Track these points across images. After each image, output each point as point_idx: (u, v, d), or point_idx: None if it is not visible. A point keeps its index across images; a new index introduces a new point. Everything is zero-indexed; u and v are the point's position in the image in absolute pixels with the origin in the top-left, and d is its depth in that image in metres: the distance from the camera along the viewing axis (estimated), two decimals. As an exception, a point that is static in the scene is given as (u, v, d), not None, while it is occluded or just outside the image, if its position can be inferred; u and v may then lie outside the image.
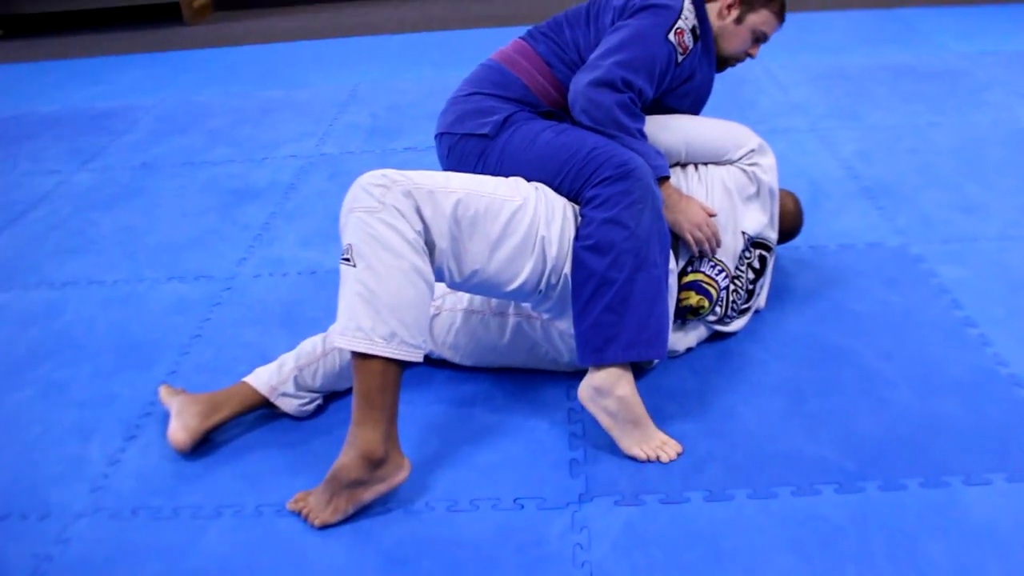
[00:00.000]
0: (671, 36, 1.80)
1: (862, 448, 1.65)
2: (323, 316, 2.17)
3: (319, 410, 1.85)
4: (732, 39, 1.93)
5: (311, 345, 1.84)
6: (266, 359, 2.00)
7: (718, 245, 1.86)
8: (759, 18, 1.91)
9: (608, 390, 1.64)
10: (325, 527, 1.56)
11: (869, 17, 4.39)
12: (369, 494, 1.55)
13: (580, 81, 1.77)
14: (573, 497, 1.59)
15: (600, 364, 1.65)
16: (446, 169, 1.90)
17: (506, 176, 1.74)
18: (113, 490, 1.68)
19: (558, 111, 1.88)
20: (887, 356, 1.89)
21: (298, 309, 2.22)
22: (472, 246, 1.59)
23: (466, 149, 1.84)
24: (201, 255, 2.52)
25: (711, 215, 1.84)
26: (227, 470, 1.71)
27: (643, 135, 1.79)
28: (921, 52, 3.76)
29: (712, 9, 1.92)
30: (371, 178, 1.56)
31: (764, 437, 1.70)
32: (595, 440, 1.71)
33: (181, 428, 1.73)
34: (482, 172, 1.79)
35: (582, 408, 1.78)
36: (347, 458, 1.53)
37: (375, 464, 1.53)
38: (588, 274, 1.64)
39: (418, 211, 1.54)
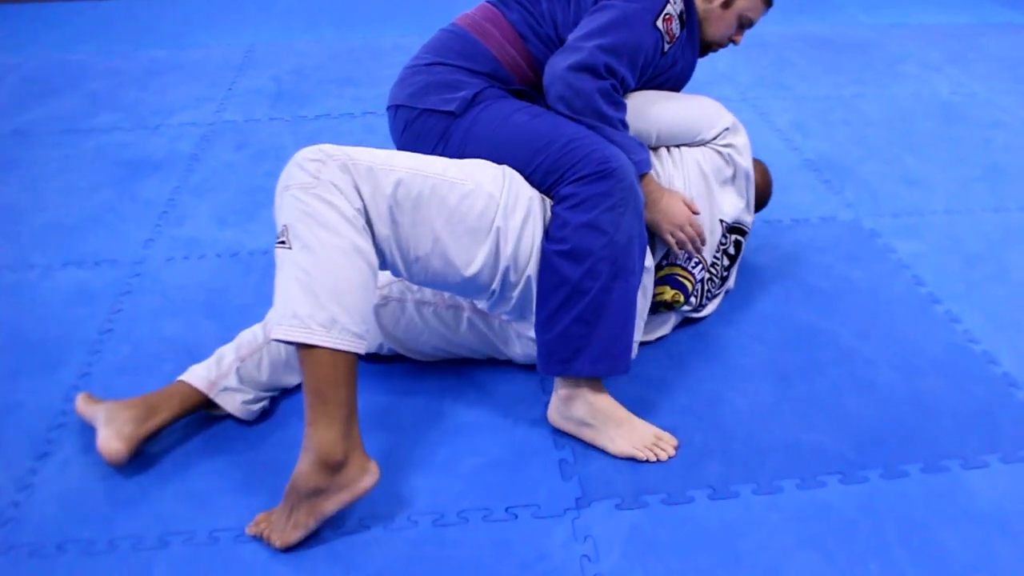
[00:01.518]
0: (659, 23, 1.65)
1: (857, 434, 1.60)
2: (253, 303, 1.95)
3: (268, 412, 1.64)
4: (717, 24, 1.79)
5: (251, 334, 1.64)
6: (194, 355, 1.77)
7: (702, 244, 1.74)
8: (747, 3, 1.77)
9: (578, 397, 1.54)
10: (288, 548, 1.36)
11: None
12: (331, 504, 1.35)
13: (558, 64, 1.59)
14: (570, 503, 1.45)
15: (564, 376, 1.53)
16: (400, 147, 1.70)
17: (467, 156, 1.57)
18: (29, 522, 1.42)
19: (530, 91, 1.71)
20: (863, 335, 1.85)
21: (223, 296, 1.97)
22: (415, 231, 1.43)
23: (426, 126, 1.64)
24: (99, 236, 2.22)
25: (694, 212, 1.72)
26: (169, 490, 1.47)
27: (625, 126, 1.64)
28: (834, 23, 3.78)
29: None
30: (306, 153, 1.41)
31: (758, 426, 1.62)
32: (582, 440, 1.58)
33: (114, 436, 1.48)
34: (443, 153, 1.61)
35: (562, 401, 1.65)
36: (303, 464, 1.34)
37: (333, 468, 1.33)
38: (559, 281, 1.49)
39: (356, 188, 1.39)
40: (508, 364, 1.75)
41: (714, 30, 1.79)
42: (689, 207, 1.72)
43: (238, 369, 1.58)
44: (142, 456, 1.53)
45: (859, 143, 2.69)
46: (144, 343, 1.83)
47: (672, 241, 1.71)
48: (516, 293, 1.52)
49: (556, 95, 1.60)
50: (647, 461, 1.53)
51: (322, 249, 1.34)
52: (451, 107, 1.61)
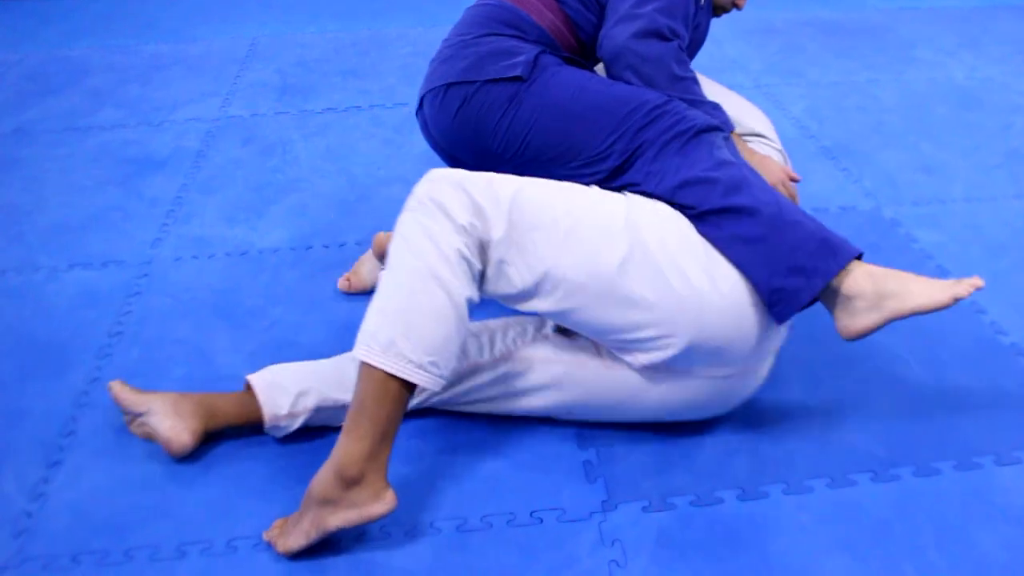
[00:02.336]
0: None
1: (887, 431, 1.56)
2: (264, 303, 1.91)
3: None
4: None
5: (341, 383, 1.52)
6: (206, 357, 1.75)
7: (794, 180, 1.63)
8: None
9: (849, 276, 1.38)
10: (288, 554, 1.32)
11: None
12: (336, 520, 1.30)
13: (619, 35, 1.55)
14: (596, 506, 1.42)
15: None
16: (453, 129, 1.64)
17: (540, 126, 1.54)
18: (42, 533, 1.38)
19: (579, 58, 1.66)
20: (889, 330, 1.75)
21: (234, 296, 1.93)
22: (537, 235, 1.35)
23: (490, 98, 1.57)
24: (105, 236, 2.17)
25: (794, 179, 1.62)
26: (186, 498, 1.44)
27: (697, 83, 1.59)
28: (844, 7, 3.72)
29: None
30: (428, 176, 1.38)
31: (786, 424, 1.58)
32: (605, 438, 1.54)
33: (184, 428, 1.46)
34: (512, 120, 1.56)
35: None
36: (323, 470, 1.31)
37: (348, 483, 1.29)
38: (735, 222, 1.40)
39: (470, 200, 1.33)
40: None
41: None
42: (786, 172, 1.62)
43: (309, 419, 1.52)
44: (158, 462, 1.50)
45: (875, 130, 2.64)
46: (154, 345, 1.79)
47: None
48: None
49: (624, 65, 1.56)
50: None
51: (401, 271, 1.31)
52: (516, 72, 1.56)
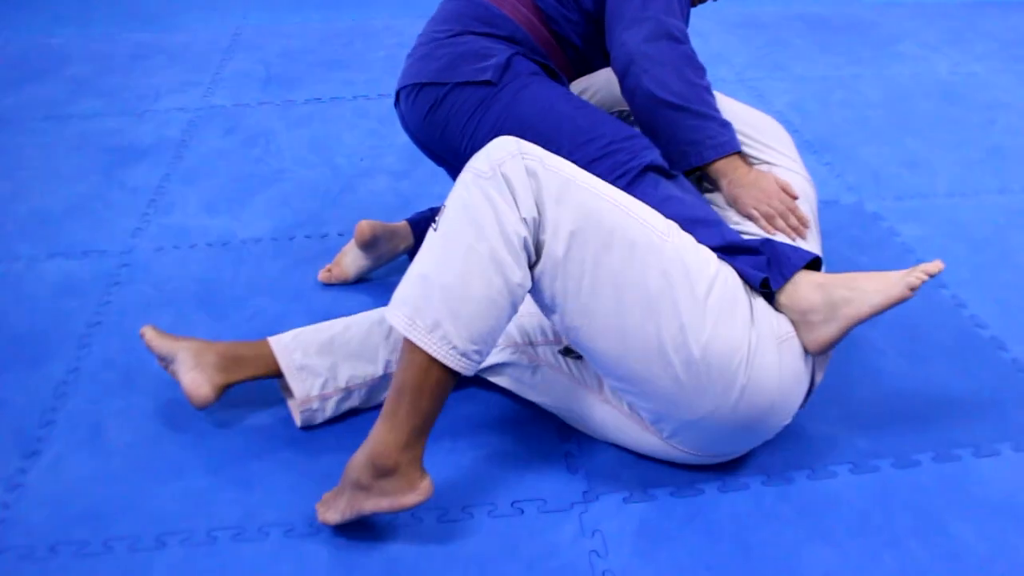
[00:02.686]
0: None
1: (867, 423, 1.57)
2: (246, 293, 1.90)
3: (272, 405, 1.59)
4: None
5: (371, 363, 1.51)
6: (187, 348, 1.72)
7: (804, 226, 1.49)
8: None
9: (799, 286, 1.36)
10: (326, 524, 1.33)
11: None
12: (369, 505, 1.29)
13: (631, 40, 1.50)
14: (577, 496, 1.42)
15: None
16: (425, 128, 1.64)
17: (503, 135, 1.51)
18: (20, 523, 1.37)
19: (548, 56, 1.66)
20: (870, 322, 1.79)
21: (216, 287, 1.92)
22: (592, 270, 1.24)
23: (459, 101, 1.57)
24: (86, 225, 2.16)
25: (792, 196, 1.52)
26: (165, 488, 1.43)
27: (710, 93, 1.55)
28: (828, 2, 3.73)
29: None
30: (502, 141, 1.26)
31: (766, 416, 1.58)
32: (587, 428, 1.55)
33: (205, 380, 1.46)
34: (478, 126, 1.56)
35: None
36: (359, 453, 1.29)
37: (381, 471, 1.26)
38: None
39: (537, 197, 1.22)
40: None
41: None
42: (784, 188, 1.53)
43: (340, 400, 1.52)
44: (136, 452, 1.49)
45: (859, 124, 2.66)
46: (134, 336, 1.76)
47: (755, 215, 1.49)
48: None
49: (640, 70, 1.50)
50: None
51: (458, 246, 1.21)
52: (486, 76, 1.55)
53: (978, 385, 1.66)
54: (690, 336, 1.26)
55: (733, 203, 1.53)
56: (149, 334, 1.54)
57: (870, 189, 2.31)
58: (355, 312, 1.59)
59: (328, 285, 1.91)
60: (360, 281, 1.92)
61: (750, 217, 1.50)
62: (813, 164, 2.42)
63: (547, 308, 1.30)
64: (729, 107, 1.68)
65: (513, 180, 1.22)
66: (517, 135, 1.50)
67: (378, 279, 1.93)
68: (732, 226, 1.49)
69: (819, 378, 1.45)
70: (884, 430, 1.55)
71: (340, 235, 2.10)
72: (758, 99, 2.80)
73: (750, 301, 1.33)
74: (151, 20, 3.58)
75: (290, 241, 2.08)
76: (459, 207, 1.23)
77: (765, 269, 1.35)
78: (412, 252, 1.93)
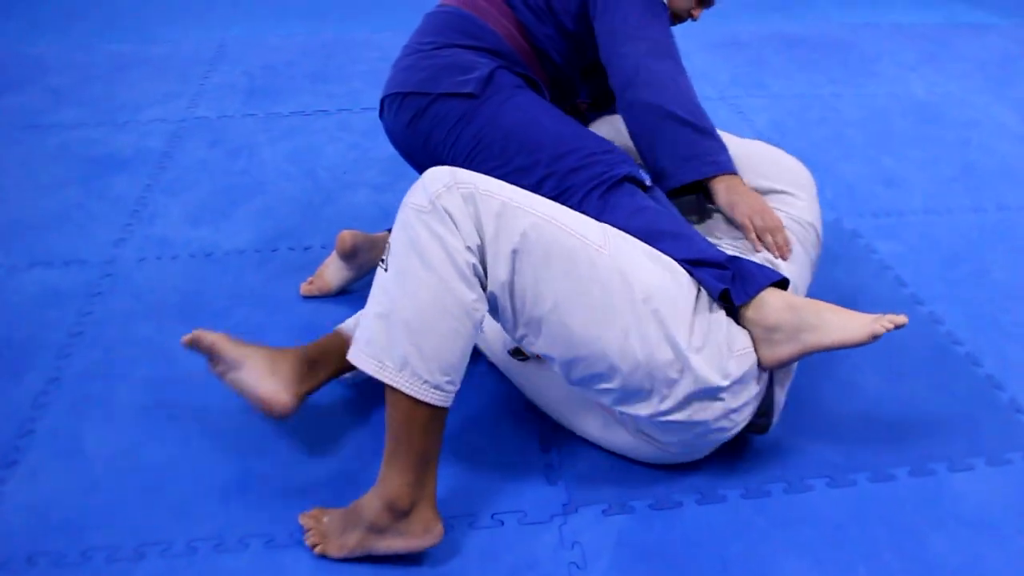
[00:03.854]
0: None
1: (844, 437, 1.59)
2: (228, 304, 1.90)
3: (245, 412, 1.59)
4: None
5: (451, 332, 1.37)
6: (167, 358, 1.74)
7: (786, 248, 1.52)
8: None
9: (764, 307, 1.38)
10: (323, 556, 1.32)
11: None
12: (383, 545, 1.30)
13: (633, 54, 1.53)
14: (556, 508, 1.43)
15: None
16: (408, 138, 1.66)
17: (484, 146, 1.54)
18: (-3, 533, 1.37)
19: (530, 70, 1.68)
20: (847, 336, 1.84)
21: (197, 297, 1.92)
22: (536, 287, 1.27)
23: (442, 111, 1.59)
24: (67, 235, 2.15)
25: (773, 227, 1.53)
26: (144, 498, 1.42)
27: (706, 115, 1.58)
28: (807, 22, 3.79)
29: None
30: (435, 172, 1.28)
31: (743, 429, 1.59)
32: (567, 440, 1.55)
33: (283, 388, 1.43)
34: (459, 137, 1.57)
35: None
36: (371, 497, 1.30)
37: (397, 514, 1.29)
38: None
39: (477, 223, 1.25)
40: (491, 366, 1.72)
41: (676, 2, 1.71)
42: (764, 210, 1.54)
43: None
44: (116, 463, 1.49)
45: (837, 142, 2.69)
46: (116, 346, 1.77)
47: (748, 225, 1.52)
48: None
49: (643, 83, 1.51)
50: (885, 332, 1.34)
51: (412, 283, 1.23)
52: (468, 88, 1.57)
53: (953, 400, 1.69)
54: (633, 342, 1.29)
55: (729, 209, 1.54)
56: (213, 338, 1.46)
57: (847, 206, 2.34)
58: (338, 324, 1.59)
59: (310, 297, 1.91)
60: (342, 293, 1.92)
61: (742, 226, 1.52)
62: (792, 181, 2.45)
63: (502, 323, 1.33)
64: (750, 145, 1.72)
65: (452, 210, 1.24)
66: (499, 145, 1.52)
67: (360, 290, 1.94)
68: (712, 240, 1.52)
69: (780, 396, 1.47)
70: (860, 444, 1.57)
71: (323, 247, 2.10)
72: (739, 117, 2.83)
73: (704, 311, 1.36)
74: (133, 31, 3.58)
75: (272, 253, 2.09)
76: (406, 244, 1.25)
77: (728, 283, 1.37)
78: None
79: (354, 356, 1.27)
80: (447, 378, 1.26)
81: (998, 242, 2.19)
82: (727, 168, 1.57)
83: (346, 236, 1.84)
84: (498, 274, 1.26)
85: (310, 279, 1.93)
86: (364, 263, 1.90)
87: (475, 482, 1.47)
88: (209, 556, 1.33)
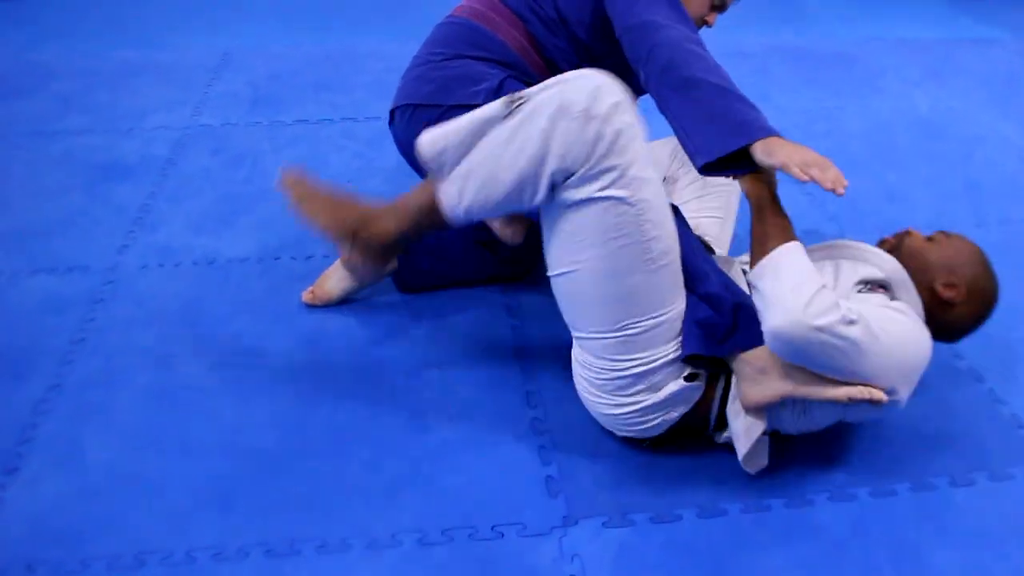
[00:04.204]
0: None
1: (845, 452, 1.59)
2: (231, 312, 1.90)
3: (241, 417, 1.59)
4: (691, 1, 1.76)
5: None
6: (168, 365, 1.75)
7: (840, 183, 1.37)
8: None
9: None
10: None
11: (752, -2, 4.40)
12: (344, 248, 1.58)
13: (674, 35, 1.50)
14: (557, 520, 1.43)
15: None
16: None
17: None
18: (-3, 540, 1.37)
19: (539, 81, 1.67)
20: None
21: (199, 305, 1.92)
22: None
23: None
24: (70, 242, 2.15)
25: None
26: (145, 507, 1.42)
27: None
28: (813, 35, 3.78)
29: None
30: (611, 88, 1.33)
31: (746, 443, 1.60)
32: (567, 452, 1.55)
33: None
34: None
35: (547, 417, 1.62)
36: (358, 207, 1.55)
37: (363, 236, 1.52)
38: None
39: (599, 164, 1.32)
40: (494, 377, 1.72)
41: (691, 7, 1.71)
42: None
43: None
44: (116, 471, 1.49)
45: (840, 156, 2.63)
46: (117, 354, 1.77)
47: (789, 162, 1.39)
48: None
49: (685, 58, 1.47)
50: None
51: (510, 154, 1.34)
52: (479, 100, 1.57)
53: (955, 415, 1.69)
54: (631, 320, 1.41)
55: (768, 157, 1.40)
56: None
57: (851, 220, 2.34)
58: (340, 334, 1.60)
59: (312, 307, 1.91)
60: (344, 302, 1.92)
61: (784, 167, 1.39)
62: (795, 194, 2.44)
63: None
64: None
65: (595, 140, 1.30)
66: None
67: (362, 299, 1.94)
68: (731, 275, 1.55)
69: (736, 425, 1.47)
70: (861, 459, 1.57)
71: (325, 257, 2.10)
72: (741, 129, 2.83)
73: None
74: (139, 38, 3.59)
75: (275, 261, 2.09)
76: (535, 116, 1.33)
77: (713, 338, 1.41)
78: (395, 274, 1.94)
79: (428, 153, 1.42)
80: (467, 216, 1.44)
81: (1000, 257, 2.14)
82: (773, 132, 1.45)
83: None
84: (578, 198, 1.34)
85: (311, 288, 1.93)
86: (367, 274, 1.90)
87: (476, 494, 1.47)
88: (208, 565, 1.33)
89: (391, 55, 3.37)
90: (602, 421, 1.55)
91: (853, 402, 1.37)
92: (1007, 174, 2.64)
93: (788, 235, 1.42)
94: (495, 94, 1.58)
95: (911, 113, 3.03)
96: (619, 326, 1.40)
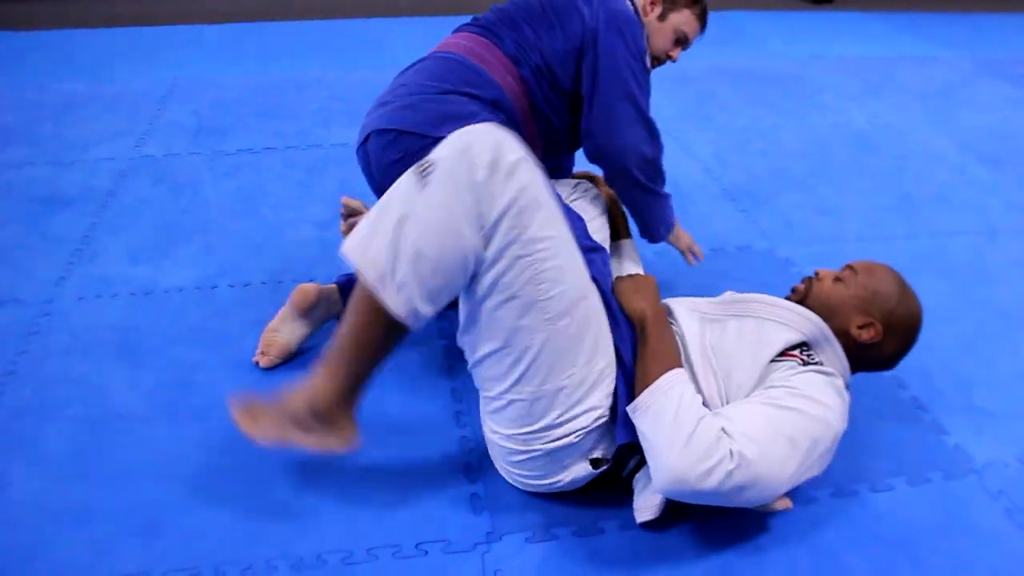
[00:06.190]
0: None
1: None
2: (163, 342, 1.90)
3: (171, 442, 1.59)
4: (656, 37, 1.86)
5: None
6: (102, 395, 1.75)
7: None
8: (681, 17, 1.86)
9: None
10: (249, 438, 1.40)
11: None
12: (298, 438, 1.39)
13: (632, 137, 1.77)
14: (480, 537, 1.44)
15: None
16: (395, 175, 1.54)
17: None
18: (-84, 573, 1.36)
19: (522, 131, 1.72)
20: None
21: (134, 336, 1.92)
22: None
23: None
24: (5, 275, 2.14)
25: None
26: (67, 536, 1.42)
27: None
28: (755, 56, 3.87)
29: (639, 4, 1.85)
30: (510, 144, 1.30)
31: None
32: (493, 472, 1.56)
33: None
34: None
35: (475, 436, 1.64)
36: (297, 390, 1.39)
37: (317, 416, 1.37)
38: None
39: (500, 212, 1.27)
40: (422, 397, 1.74)
41: (655, 43, 1.85)
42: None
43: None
44: (41, 500, 1.48)
45: (776, 173, 2.75)
46: (49, 385, 1.77)
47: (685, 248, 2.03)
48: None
49: (633, 162, 1.79)
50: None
51: (439, 219, 1.26)
52: None
53: (879, 422, 1.73)
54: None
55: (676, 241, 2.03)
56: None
57: (782, 235, 2.39)
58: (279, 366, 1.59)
59: (247, 332, 1.90)
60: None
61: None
62: (730, 211, 2.50)
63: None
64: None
65: (497, 187, 1.26)
66: None
67: (317, 344, 1.90)
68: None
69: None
70: (785, 467, 1.60)
71: (263, 283, 2.11)
72: (683, 150, 2.88)
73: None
74: (87, 70, 3.60)
75: (212, 290, 2.10)
76: (450, 174, 1.27)
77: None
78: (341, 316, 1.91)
79: (350, 250, 1.30)
80: (432, 308, 1.31)
81: (929, 267, 2.24)
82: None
83: (309, 289, 1.81)
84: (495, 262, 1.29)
85: (262, 351, 1.83)
86: (321, 317, 1.87)
87: (401, 512, 1.48)
88: (131, 592, 1.33)
89: (336, 83, 3.42)
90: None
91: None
92: (939, 186, 2.71)
93: (669, 361, 1.39)
94: None
95: (848, 128, 3.10)
96: (517, 384, 1.37)
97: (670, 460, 1.28)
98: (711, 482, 1.26)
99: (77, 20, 4.43)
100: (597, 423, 1.39)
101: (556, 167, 1.95)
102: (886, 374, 1.84)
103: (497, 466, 1.54)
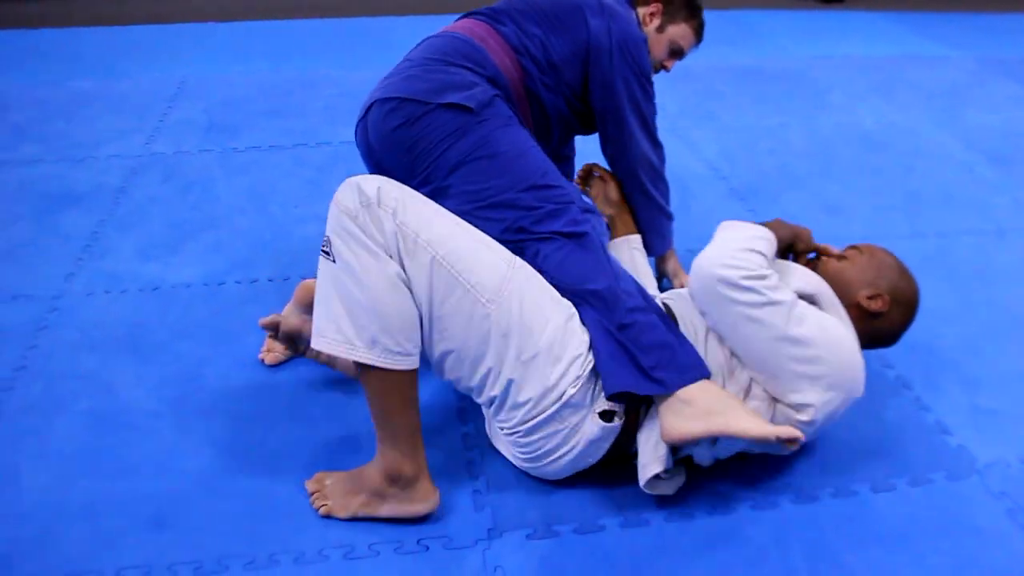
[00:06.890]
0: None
1: (768, 461, 1.61)
2: (172, 338, 1.92)
3: (172, 437, 1.61)
4: (654, 47, 1.89)
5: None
6: (110, 390, 1.77)
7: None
8: (679, 30, 1.90)
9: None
10: (328, 517, 1.48)
11: (709, 18, 4.46)
12: (385, 510, 1.46)
13: (640, 147, 1.86)
14: (481, 533, 1.45)
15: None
16: (395, 142, 1.65)
17: (470, 162, 1.59)
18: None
19: (518, 111, 1.74)
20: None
21: (142, 331, 1.95)
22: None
23: (439, 121, 1.60)
24: (16, 271, 2.17)
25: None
26: (75, 529, 1.44)
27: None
28: (762, 54, 3.86)
29: (640, 13, 1.89)
30: (368, 181, 1.40)
31: (672, 453, 1.63)
32: (495, 468, 1.58)
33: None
34: (450, 147, 1.59)
35: (478, 433, 1.65)
36: (374, 467, 1.47)
37: (400, 481, 1.45)
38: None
39: (392, 244, 1.38)
40: (425, 396, 1.74)
41: (651, 53, 1.87)
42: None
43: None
44: (49, 494, 1.50)
45: (782, 172, 2.75)
46: (58, 380, 1.79)
47: (682, 282, 2.05)
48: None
49: (643, 169, 1.90)
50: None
51: (364, 272, 1.35)
52: (471, 103, 1.61)
53: (881, 423, 1.73)
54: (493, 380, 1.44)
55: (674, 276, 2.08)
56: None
57: (788, 234, 2.39)
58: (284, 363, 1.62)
59: (253, 328, 1.91)
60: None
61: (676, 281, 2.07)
62: (737, 210, 2.50)
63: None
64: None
65: (373, 225, 1.36)
66: (486, 166, 1.59)
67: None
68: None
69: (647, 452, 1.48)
70: (785, 467, 1.61)
71: (270, 280, 2.13)
72: (688, 148, 2.89)
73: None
74: (97, 68, 3.62)
75: (220, 286, 2.12)
76: (347, 236, 1.37)
77: (640, 383, 1.43)
78: None
79: (324, 345, 1.38)
80: (413, 345, 1.39)
81: (935, 267, 2.23)
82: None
83: (312, 285, 1.78)
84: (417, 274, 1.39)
85: (267, 347, 1.88)
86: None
87: (403, 509, 1.50)
88: (136, 586, 1.35)
89: (344, 81, 3.44)
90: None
91: (780, 442, 1.40)
92: (945, 186, 2.70)
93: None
94: (485, 105, 1.62)
95: (855, 128, 3.10)
96: (500, 373, 1.43)
97: (723, 248, 1.48)
98: (752, 290, 1.42)
99: (87, 19, 4.46)
100: (586, 369, 1.43)
101: (551, 153, 1.95)
102: (890, 374, 1.85)
103: (513, 461, 1.57)
